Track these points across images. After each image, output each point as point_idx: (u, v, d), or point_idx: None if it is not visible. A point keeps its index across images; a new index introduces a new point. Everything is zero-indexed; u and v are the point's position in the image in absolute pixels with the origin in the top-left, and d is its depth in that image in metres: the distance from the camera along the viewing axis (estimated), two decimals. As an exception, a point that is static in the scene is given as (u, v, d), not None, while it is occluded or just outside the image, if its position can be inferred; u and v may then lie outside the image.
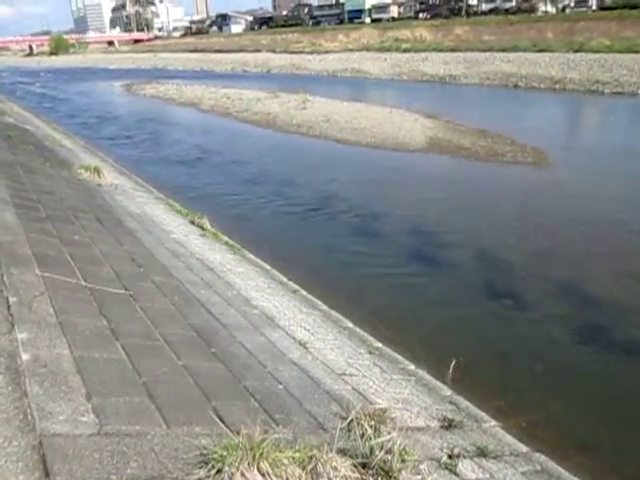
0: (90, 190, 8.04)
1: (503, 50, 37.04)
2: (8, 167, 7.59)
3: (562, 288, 6.74)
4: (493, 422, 3.90)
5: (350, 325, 5.15)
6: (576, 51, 33.04)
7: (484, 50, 38.26)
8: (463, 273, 7.22)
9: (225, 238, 7.38)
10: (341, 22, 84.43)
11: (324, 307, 5.52)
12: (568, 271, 7.21)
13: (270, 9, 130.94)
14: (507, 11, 65.55)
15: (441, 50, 41.64)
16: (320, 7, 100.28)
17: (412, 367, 4.54)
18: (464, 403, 4.06)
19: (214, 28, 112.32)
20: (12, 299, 3.23)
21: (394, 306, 6.31)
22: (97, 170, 9.02)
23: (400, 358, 4.68)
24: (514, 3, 69.90)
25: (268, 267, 6.51)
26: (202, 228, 7.49)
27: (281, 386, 3.32)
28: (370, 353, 4.59)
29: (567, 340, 5.63)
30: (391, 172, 12.52)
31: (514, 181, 11.83)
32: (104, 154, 14.40)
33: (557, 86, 27.78)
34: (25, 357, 2.68)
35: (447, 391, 4.21)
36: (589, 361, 5.32)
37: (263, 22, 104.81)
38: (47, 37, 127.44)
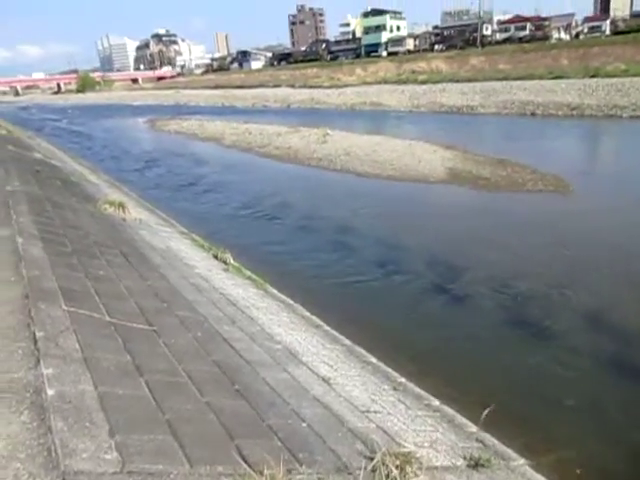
0: (115, 225, 8.17)
1: (519, 78, 37.17)
2: (36, 202, 7.76)
3: (591, 319, 6.59)
4: (522, 460, 3.78)
5: (374, 360, 5.08)
6: (592, 76, 33.01)
7: (500, 79, 38.45)
8: (486, 305, 7.11)
9: (248, 272, 7.41)
10: (358, 56, 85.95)
11: (347, 342, 5.47)
12: (596, 302, 7.05)
13: (289, 45, 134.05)
14: (521, 40, 66.19)
15: (457, 80, 41.96)
16: (337, 42, 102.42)
17: (437, 403, 4.44)
18: (491, 440, 3.95)
19: (235, 65, 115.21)
20: (39, 334, 3.26)
21: (418, 341, 6.23)
22: (122, 205, 9.18)
23: (425, 394, 4.59)
24: (528, 32, 70.68)
25: (291, 302, 6.50)
26: (225, 262, 7.54)
27: (304, 424, 3.27)
28: (394, 389, 4.52)
29: (598, 374, 5.48)
30: (412, 204, 12.54)
31: (536, 210, 11.72)
32: (128, 189, 14.71)
33: (574, 112, 27.72)
34: (50, 392, 2.69)
35: (473, 428, 4.10)
36: (623, 396, 5.15)
37: (282, 58, 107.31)
38: (74, 75, 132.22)
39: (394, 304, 7.24)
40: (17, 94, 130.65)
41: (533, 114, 29.04)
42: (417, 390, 4.64)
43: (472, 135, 23.98)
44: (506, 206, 12.22)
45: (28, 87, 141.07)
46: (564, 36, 69.88)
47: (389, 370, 4.97)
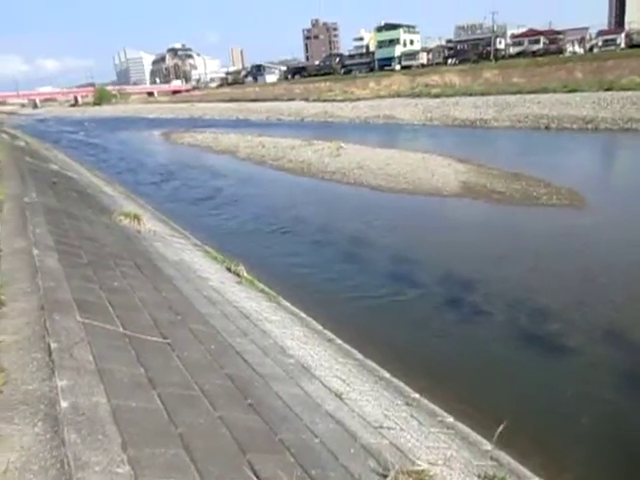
0: (129, 237, 8.24)
1: (533, 92, 37.01)
2: (53, 213, 7.86)
3: (609, 336, 6.48)
4: (536, 479, 3.72)
5: (387, 375, 5.05)
6: (607, 89, 32.78)
7: (514, 93, 38.30)
8: (501, 321, 7.03)
9: (261, 285, 7.42)
10: (372, 70, 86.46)
11: (359, 356, 5.44)
12: (613, 318, 6.95)
13: (303, 59, 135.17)
14: (534, 53, 66.18)
15: (471, 94, 41.88)
16: (351, 56, 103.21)
17: (450, 419, 4.39)
18: (506, 458, 3.89)
19: (249, 78, 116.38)
20: (53, 345, 3.28)
21: (431, 356, 6.17)
22: (136, 217, 9.27)
23: (438, 410, 4.54)
24: (541, 45, 70.66)
25: (303, 315, 6.49)
26: (238, 275, 7.56)
27: (317, 439, 3.25)
28: (407, 404, 4.47)
29: (616, 392, 5.37)
30: (425, 218, 12.50)
31: (550, 224, 11.61)
32: (143, 201, 14.85)
33: (589, 126, 27.53)
34: (64, 405, 2.70)
35: (488, 445, 4.04)
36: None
37: (296, 72, 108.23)
38: (91, 89, 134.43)
39: (407, 318, 7.19)
40: (35, 107, 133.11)
41: (547, 127, 28.90)
42: (430, 406, 4.59)
43: (486, 148, 23.90)
44: (520, 220, 12.12)
45: (46, 100, 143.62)
46: (578, 49, 69.75)
47: (402, 385, 4.93)
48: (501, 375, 5.76)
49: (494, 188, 14.49)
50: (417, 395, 4.74)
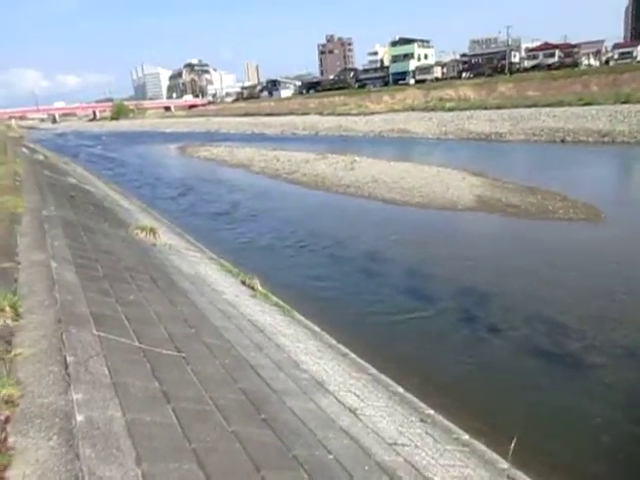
0: (145, 250, 8.31)
1: (548, 105, 36.85)
2: (71, 226, 7.96)
3: (628, 355, 6.36)
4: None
5: (401, 390, 5.00)
6: (623, 103, 32.52)
7: (529, 106, 38.17)
8: (517, 337, 6.94)
9: (275, 299, 7.42)
10: (386, 84, 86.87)
11: (374, 371, 5.40)
12: (634, 336, 6.82)
13: (317, 74, 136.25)
14: (550, 67, 66.08)
15: (485, 108, 41.82)
16: (365, 70, 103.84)
17: (466, 437, 4.33)
18: (522, 478, 3.82)
19: (264, 93, 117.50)
20: (70, 358, 3.30)
21: (445, 371, 6.11)
22: (152, 230, 9.35)
23: (453, 427, 4.49)
24: (556, 59, 70.53)
25: (317, 329, 6.47)
26: (253, 289, 7.58)
27: (331, 456, 3.22)
28: (422, 421, 4.42)
29: (635, 412, 5.26)
30: (440, 232, 12.44)
31: (567, 238, 11.50)
32: (159, 214, 14.99)
33: (606, 139, 27.29)
34: (79, 418, 2.71)
35: (504, 464, 3.97)
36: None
37: (311, 86, 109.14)
38: (109, 104, 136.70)
39: (421, 333, 7.14)
40: (54, 121, 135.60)
41: (563, 141, 28.71)
42: (445, 423, 4.54)
43: (501, 162, 23.79)
44: (536, 234, 12.01)
45: (65, 114, 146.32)
46: (594, 62, 69.55)
47: (416, 401, 4.88)
48: (517, 392, 5.67)
49: (509, 202, 14.40)
50: (432, 411, 4.69)
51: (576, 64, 66.41)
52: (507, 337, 6.95)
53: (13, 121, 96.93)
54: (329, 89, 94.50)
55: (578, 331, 6.94)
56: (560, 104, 36.32)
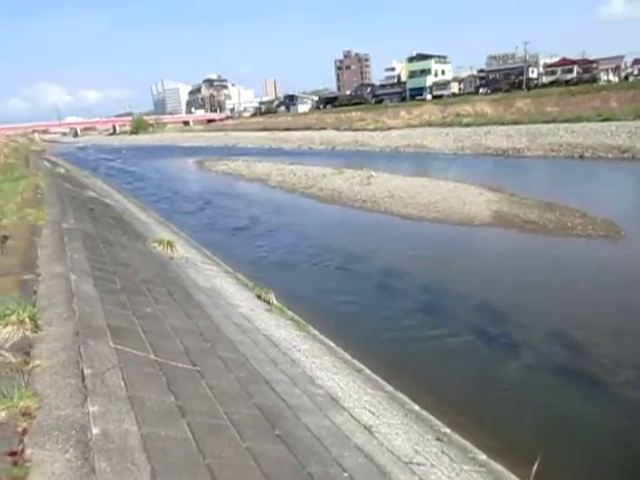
0: (162, 263, 8.38)
1: (566, 121, 36.56)
2: (90, 239, 8.07)
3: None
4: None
5: (416, 408, 4.95)
6: (643, 118, 32.20)
7: (547, 122, 37.92)
8: (536, 354, 6.84)
9: (290, 313, 7.42)
10: (403, 100, 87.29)
11: (389, 388, 5.36)
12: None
13: (335, 89, 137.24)
14: (568, 82, 65.86)
15: (502, 123, 41.64)
16: (382, 86, 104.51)
17: (483, 457, 4.26)
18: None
19: (282, 108, 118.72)
20: (87, 371, 3.33)
21: (462, 389, 6.03)
22: (170, 244, 9.43)
23: (470, 446, 4.42)
24: (575, 74, 70.28)
25: (332, 344, 6.45)
26: (268, 303, 7.59)
27: (346, 474, 3.19)
28: (438, 439, 4.36)
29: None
30: (457, 247, 12.35)
31: (586, 255, 11.36)
32: (176, 227, 15.12)
33: (625, 155, 26.94)
34: (95, 431, 2.72)
35: (524, 486, 3.90)
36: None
37: (328, 101, 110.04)
38: (129, 118, 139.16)
39: (437, 350, 7.06)
40: (76, 135, 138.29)
41: (581, 157, 28.45)
42: (462, 442, 4.47)
43: (518, 178, 23.64)
44: (555, 250, 11.88)
45: (86, 129, 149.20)
46: (613, 78, 69.14)
47: (432, 419, 4.82)
48: (537, 411, 5.57)
49: (527, 218, 14.28)
50: (448, 430, 4.63)
51: (595, 80, 66.16)
52: (526, 354, 6.85)
53: (36, 135, 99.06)
54: (346, 104, 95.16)
55: (599, 349, 6.81)
56: (578, 120, 36.04)
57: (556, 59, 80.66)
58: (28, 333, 3.76)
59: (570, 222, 13.55)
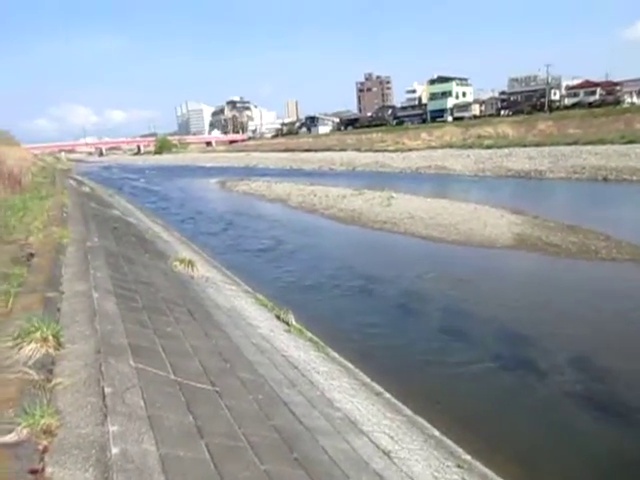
0: (183, 282, 8.45)
1: (589, 143, 36.22)
2: (112, 257, 8.19)
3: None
4: None
5: (437, 434, 4.86)
6: (669, 141, 31.78)
7: (569, 144, 37.62)
8: (561, 382, 6.68)
9: (309, 334, 7.40)
10: (424, 121, 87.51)
11: (408, 412, 5.28)
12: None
13: (355, 111, 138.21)
14: (591, 105, 65.36)
15: (524, 145, 41.43)
16: (403, 108, 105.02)
17: (506, 486, 4.16)
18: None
19: (303, 129, 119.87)
20: (107, 389, 3.35)
21: (484, 415, 5.91)
22: (191, 263, 9.51)
23: (491, 474, 4.32)
24: (598, 96, 69.78)
25: (351, 366, 6.40)
26: (287, 323, 7.58)
27: (364, 500, 3.14)
28: (459, 467, 4.28)
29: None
30: (477, 270, 12.23)
31: (611, 280, 11.13)
32: (197, 246, 15.26)
33: (651, 178, 26.57)
34: (115, 451, 2.73)
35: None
36: None
37: (349, 123, 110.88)
38: (153, 138, 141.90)
39: (458, 375, 6.95)
40: (101, 154, 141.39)
41: (605, 179, 28.09)
42: (483, 469, 4.38)
43: (540, 200, 23.41)
44: (579, 274, 11.69)
45: (111, 148, 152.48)
46: (637, 100, 68.45)
47: (453, 445, 4.73)
48: (562, 440, 5.42)
49: (550, 240, 14.09)
50: (469, 457, 4.54)
51: (618, 102, 65.61)
52: (550, 382, 6.70)
53: (63, 154, 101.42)
54: (367, 126, 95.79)
55: (625, 377, 6.64)
56: (602, 142, 35.70)
57: (578, 81, 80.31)
58: (51, 350, 3.81)
59: (594, 245, 13.33)
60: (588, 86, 75.09)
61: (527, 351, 7.58)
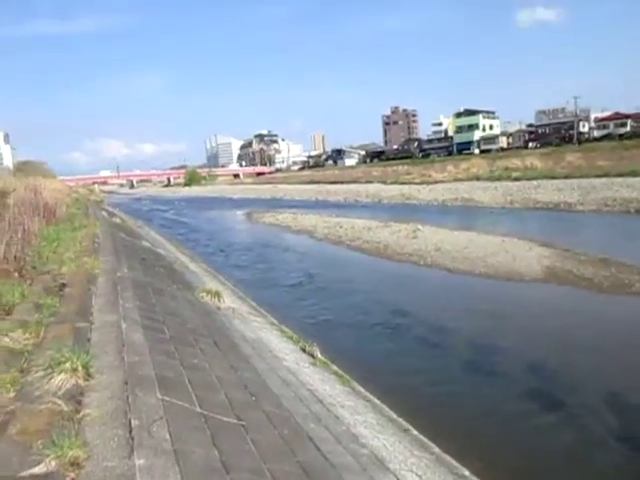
0: (210, 313, 8.50)
1: (620, 175, 35.65)
2: (141, 288, 8.30)
3: None
4: None
5: (467, 473, 4.72)
6: None
7: (599, 176, 37.10)
8: (591, 424, 6.43)
9: (335, 367, 7.33)
10: (450, 154, 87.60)
11: (436, 450, 5.14)
12: None
13: (382, 144, 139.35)
14: (621, 136, 64.47)
15: (553, 177, 41.00)
16: (429, 141, 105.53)
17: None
18: None
19: (329, 162, 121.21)
20: (134, 422, 3.36)
21: (515, 457, 5.72)
22: (217, 294, 9.58)
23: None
24: (629, 128, 68.92)
25: (377, 401, 6.30)
26: (313, 356, 7.53)
27: (392, 543, 3.05)
28: (489, 509, 4.13)
29: None
30: (506, 304, 12.02)
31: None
32: (224, 277, 15.37)
33: (685, 210, 25.96)
34: (140, 485, 2.73)
35: None
36: None
37: (375, 155, 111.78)
38: (183, 170, 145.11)
39: (487, 413, 6.77)
40: (132, 186, 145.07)
41: (638, 212, 27.53)
42: (515, 514, 4.21)
43: (569, 232, 23.00)
44: (611, 309, 11.38)
45: (142, 180, 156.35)
46: (670, 132, 67.38)
47: (484, 487, 4.58)
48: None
49: (581, 274, 13.79)
50: (500, 500, 4.38)
51: (650, 134, 64.70)
52: (584, 425, 6.45)
53: (96, 186, 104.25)
54: (393, 158, 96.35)
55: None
56: (634, 174, 35.09)
57: (608, 113, 79.72)
58: (80, 381, 3.86)
59: (627, 279, 12.99)
60: (618, 118, 74.42)
61: (559, 391, 7.36)
